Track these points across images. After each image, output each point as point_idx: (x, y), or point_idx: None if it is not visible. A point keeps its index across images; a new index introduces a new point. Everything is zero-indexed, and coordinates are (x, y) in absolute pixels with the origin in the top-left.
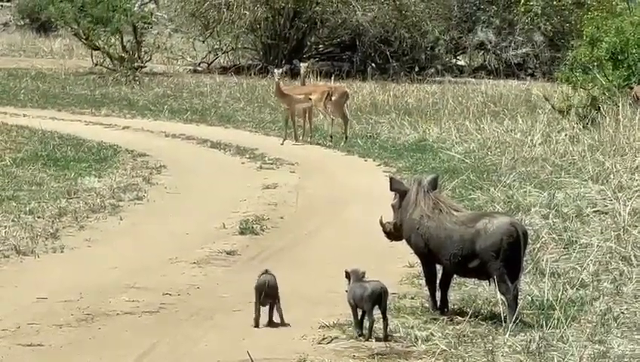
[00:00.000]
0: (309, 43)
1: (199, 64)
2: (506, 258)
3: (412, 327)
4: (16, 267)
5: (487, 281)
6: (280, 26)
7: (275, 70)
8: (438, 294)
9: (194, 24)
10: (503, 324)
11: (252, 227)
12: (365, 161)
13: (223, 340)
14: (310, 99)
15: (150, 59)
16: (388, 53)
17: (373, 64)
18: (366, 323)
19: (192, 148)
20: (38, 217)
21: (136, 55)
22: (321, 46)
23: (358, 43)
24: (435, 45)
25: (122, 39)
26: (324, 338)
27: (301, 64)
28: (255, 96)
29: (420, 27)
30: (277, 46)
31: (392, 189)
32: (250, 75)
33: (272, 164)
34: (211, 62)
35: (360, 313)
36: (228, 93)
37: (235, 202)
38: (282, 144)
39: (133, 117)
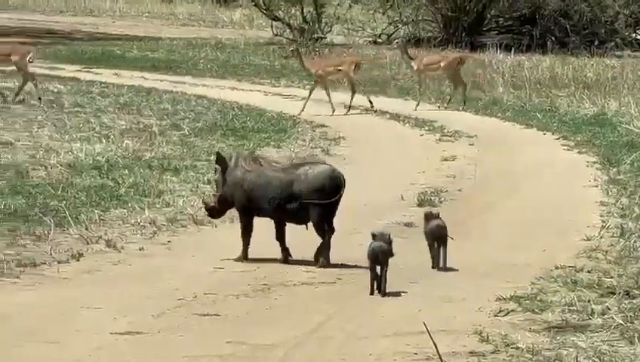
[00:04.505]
0: (489, 16)
1: (379, 36)
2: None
3: (588, 301)
4: (194, 237)
5: (304, 226)
6: None
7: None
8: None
9: None
10: None
11: (430, 199)
12: (544, 134)
13: (400, 311)
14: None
15: (330, 30)
16: (568, 26)
17: (552, 37)
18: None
19: (371, 120)
20: None
21: (316, 26)
22: (501, 19)
23: (537, 16)
24: (615, 19)
25: (302, 10)
26: (500, 311)
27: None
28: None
29: (600, 1)
30: (457, 19)
31: (217, 162)
32: (431, 47)
33: (450, 136)
34: (391, 34)
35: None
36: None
37: (413, 174)
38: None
39: None
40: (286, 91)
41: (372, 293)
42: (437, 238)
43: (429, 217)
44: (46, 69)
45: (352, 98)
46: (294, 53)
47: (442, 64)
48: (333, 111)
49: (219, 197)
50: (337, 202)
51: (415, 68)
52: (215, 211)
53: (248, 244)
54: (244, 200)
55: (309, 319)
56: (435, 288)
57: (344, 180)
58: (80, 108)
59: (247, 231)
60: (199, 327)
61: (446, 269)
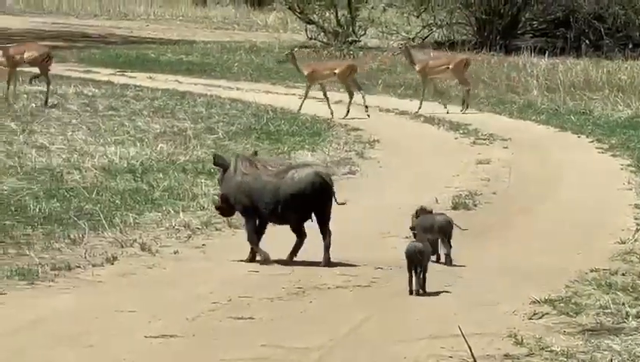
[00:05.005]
0: (523, 19)
1: (413, 39)
2: (311, 204)
3: (623, 304)
4: (229, 240)
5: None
6: (495, 2)
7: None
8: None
9: None
10: None
11: (465, 202)
12: (578, 137)
13: (435, 314)
14: None
15: (364, 33)
16: (602, 29)
17: (586, 41)
18: None
19: (406, 123)
20: None
21: (350, 29)
22: (535, 22)
23: (571, 19)
24: None
25: (337, 13)
26: (535, 314)
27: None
28: (469, 72)
29: (635, 4)
30: (491, 22)
31: (215, 164)
32: (465, 50)
33: (485, 139)
34: (426, 37)
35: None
36: None
37: (447, 177)
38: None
39: (346, 91)
40: (320, 95)
41: (411, 293)
42: (445, 233)
43: (422, 213)
44: (81, 73)
45: (363, 100)
46: (289, 57)
47: (451, 66)
48: (332, 113)
49: (221, 196)
50: (325, 204)
51: (418, 69)
52: (224, 210)
53: (257, 245)
54: (246, 202)
55: (343, 322)
56: (469, 291)
57: (329, 182)
58: (114, 111)
59: (253, 233)
60: (234, 331)
61: (452, 265)
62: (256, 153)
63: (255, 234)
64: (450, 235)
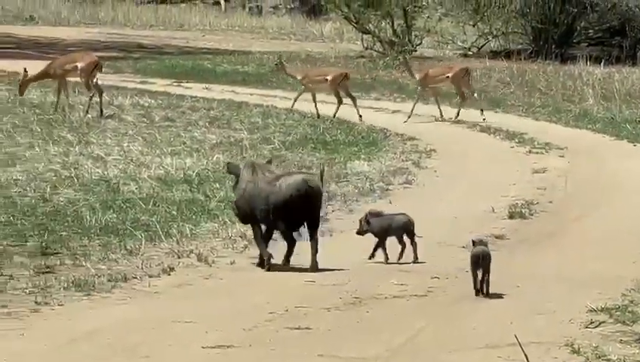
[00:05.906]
0: (578, 28)
1: (469, 48)
2: (297, 210)
3: None
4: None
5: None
6: (550, 11)
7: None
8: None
9: (464, 8)
10: None
11: (521, 211)
12: (634, 145)
13: (491, 323)
14: None
15: (420, 43)
16: None
17: None
18: None
19: (462, 132)
20: None
21: (406, 39)
22: (590, 31)
23: (627, 28)
24: None
25: (393, 23)
26: (591, 322)
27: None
28: (525, 81)
29: None
30: (547, 30)
31: (228, 172)
32: (521, 59)
33: (541, 148)
34: (481, 47)
35: None
36: (498, 78)
37: (504, 186)
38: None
39: (403, 101)
40: (377, 104)
41: (477, 294)
42: (408, 233)
43: (372, 216)
44: (137, 84)
45: (337, 108)
46: (279, 66)
47: (449, 75)
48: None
49: (235, 203)
50: (312, 211)
51: (418, 79)
52: (242, 217)
53: (264, 249)
54: (246, 209)
55: (400, 332)
56: (525, 300)
57: (316, 190)
58: (170, 122)
59: (258, 239)
60: (290, 341)
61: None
62: (270, 161)
63: (261, 239)
64: (412, 235)
